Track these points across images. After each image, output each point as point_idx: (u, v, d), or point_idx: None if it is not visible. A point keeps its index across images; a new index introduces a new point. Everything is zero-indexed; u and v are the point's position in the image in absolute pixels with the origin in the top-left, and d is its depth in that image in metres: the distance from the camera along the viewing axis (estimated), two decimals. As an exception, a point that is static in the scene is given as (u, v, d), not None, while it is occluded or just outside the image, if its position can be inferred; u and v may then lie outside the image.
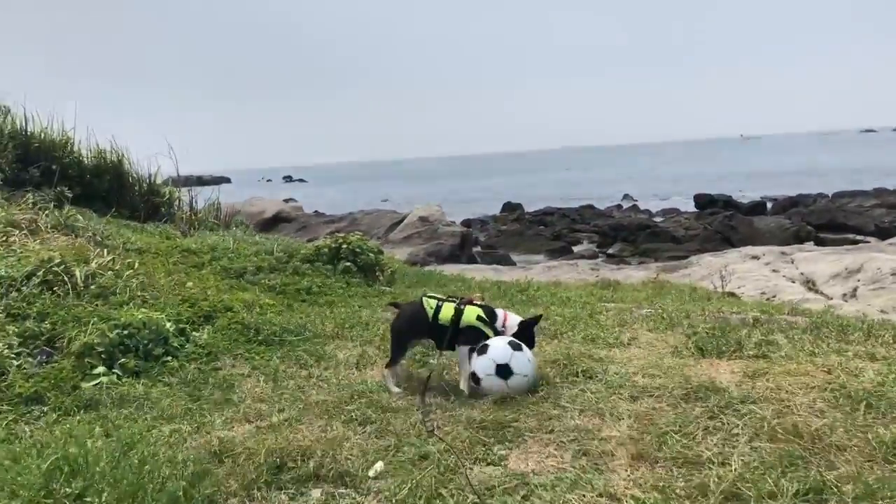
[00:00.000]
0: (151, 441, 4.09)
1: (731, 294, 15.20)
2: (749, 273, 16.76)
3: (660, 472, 3.55)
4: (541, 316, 5.34)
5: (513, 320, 4.99)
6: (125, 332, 5.73)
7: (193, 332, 6.23)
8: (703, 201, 43.60)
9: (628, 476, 3.55)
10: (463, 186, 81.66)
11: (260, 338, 6.19)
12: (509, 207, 47.39)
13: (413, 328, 5.09)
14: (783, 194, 44.14)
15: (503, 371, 4.60)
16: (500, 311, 5.05)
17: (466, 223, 37.99)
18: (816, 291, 15.56)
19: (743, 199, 42.74)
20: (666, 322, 6.50)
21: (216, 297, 7.07)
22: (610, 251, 33.56)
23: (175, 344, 5.89)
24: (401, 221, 28.08)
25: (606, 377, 4.83)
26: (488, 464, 3.77)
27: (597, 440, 3.92)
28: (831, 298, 14.94)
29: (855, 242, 27.33)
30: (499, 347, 4.68)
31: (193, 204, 14.38)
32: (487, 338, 4.82)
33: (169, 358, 5.68)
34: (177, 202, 14.41)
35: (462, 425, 4.23)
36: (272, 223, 29.93)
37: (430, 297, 5.10)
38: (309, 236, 28.62)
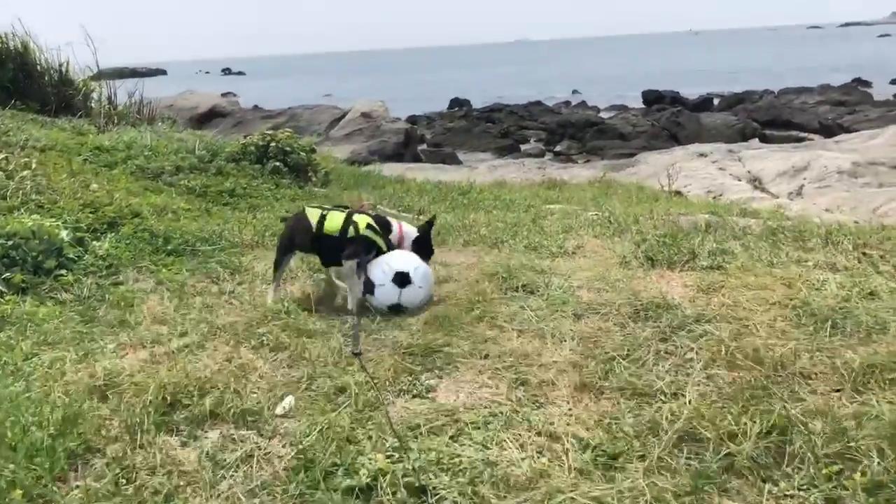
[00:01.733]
0: (25, 373, 3.55)
1: (678, 193, 14.94)
2: (696, 171, 16.49)
3: (605, 404, 3.15)
4: (434, 218, 4.97)
5: (409, 232, 4.64)
6: (10, 242, 5.06)
7: (94, 242, 5.57)
8: (650, 98, 43.22)
9: (570, 410, 3.14)
10: (409, 80, 79.57)
11: (169, 247, 5.57)
12: (457, 103, 46.35)
13: (294, 240, 4.65)
14: (730, 91, 43.92)
15: (401, 279, 4.29)
16: (394, 223, 4.63)
17: (412, 119, 36.94)
18: (763, 190, 15.39)
19: (690, 95, 42.38)
20: (613, 227, 6.07)
21: (123, 200, 6.38)
22: (557, 149, 33.11)
23: (71, 255, 5.24)
24: (342, 117, 27.01)
25: (549, 292, 4.39)
26: (414, 396, 3.32)
27: (536, 367, 3.49)
28: (777, 197, 14.78)
29: (799, 140, 27.39)
30: (401, 256, 4.46)
31: (113, 97, 13.31)
32: (380, 252, 4.45)
33: (63, 271, 5.04)
34: (94, 95, 13.32)
35: (387, 350, 3.77)
36: (206, 118, 28.51)
37: (314, 206, 4.66)
38: (245, 132, 27.42)
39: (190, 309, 4.41)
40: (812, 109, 34.51)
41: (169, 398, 3.23)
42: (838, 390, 3.06)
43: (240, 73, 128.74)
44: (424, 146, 30.94)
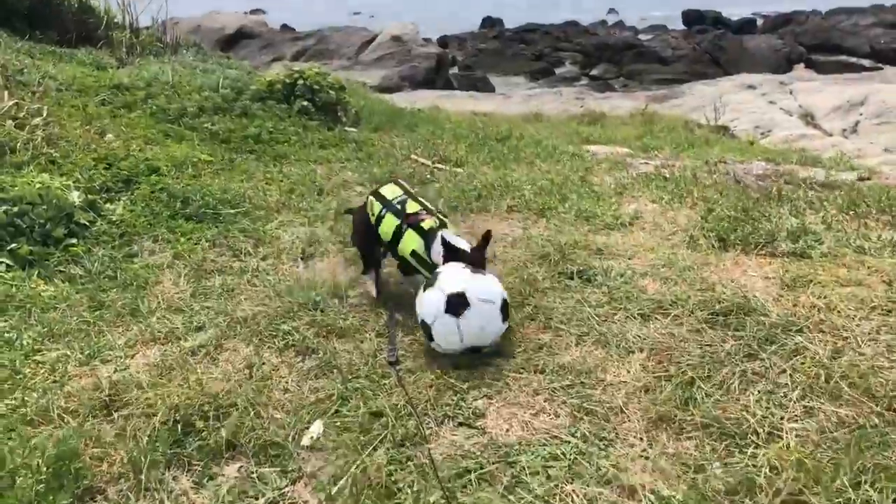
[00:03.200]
0: (24, 376, 3.17)
1: (724, 128, 14.17)
2: (744, 105, 15.60)
3: (687, 446, 2.68)
4: (489, 235, 3.55)
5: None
6: (15, 208, 4.63)
7: (107, 205, 5.13)
8: (691, 18, 41.47)
9: (645, 452, 2.67)
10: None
11: (188, 211, 5.10)
12: (489, 23, 44.80)
13: (368, 237, 3.96)
14: (774, 11, 41.89)
15: (454, 304, 3.16)
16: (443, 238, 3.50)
17: (443, 41, 35.79)
18: (815, 126, 14.52)
19: (732, 15, 40.50)
20: (672, 190, 5.50)
21: (140, 155, 5.90)
22: (593, 72, 31.95)
23: (82, 220, 4.80)
24: (372, 40, 26.06)
25: (608, 281, 3.88)
26: (460, 424, 2.87)
27: (600, 388, 3.01)
28: (831, 134, 13.95)
29: (849, 66, 25.98)
30: (448, 274, 3.30)
31: (135, 23, 12.70)
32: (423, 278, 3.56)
33: (73, 240, 4.61)
34: (117, 21, 12.72)
35: (427, 358, 3.31)
36: (233, 41, 27.69)
37: (379, 196, 3.89)
38: (273, 56, 26.61)
39: (208, 294, 3.97)
40: (864, 32, 32.75)
41: (181, 420, 2.82)
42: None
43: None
44: (455, 69, 29.93)
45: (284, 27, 36.39)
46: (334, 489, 2.50)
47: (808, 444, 2.58)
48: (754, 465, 2.49)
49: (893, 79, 15.76)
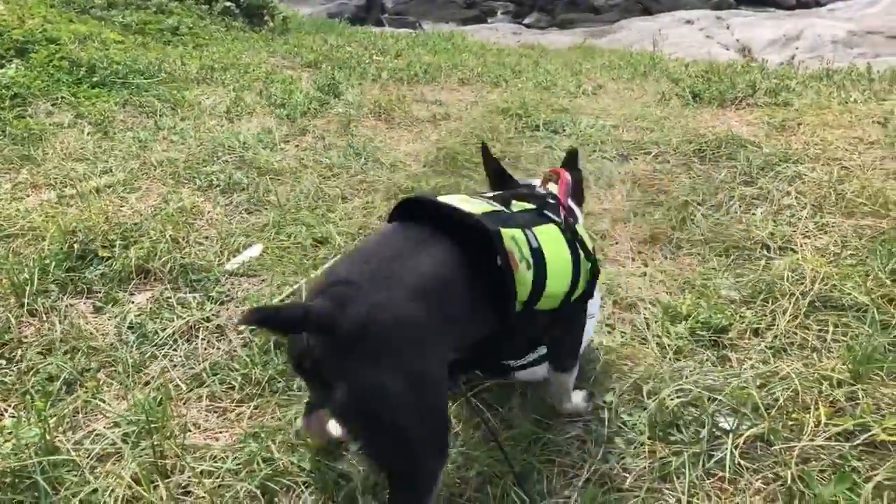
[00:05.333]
0: None
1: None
2: (682, 39, 15.36)
3: (688, 261, 2.30)
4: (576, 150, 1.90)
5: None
6: None
7: (-5, 69, 4.43)
8: (623, -30, 41.29)
9: (640, 269, 2.28)
10: (368, -50, 75.10)
11: (94, 79, 4.44)
12: (419, -28, 43.73)
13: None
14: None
15: None
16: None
17: (372, -14, 34.71)
18: (752, 59, 14.41)
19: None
20: (631, 70, 5.12)
21: (36, 26, 5.17)
22: (526, 21, 31.47)
23: (-37, 83, 4.12)
24: (299, -22, 24.92)
25: (578, 130, 3.46)
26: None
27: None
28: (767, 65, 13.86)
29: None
30: None
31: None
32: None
33: (-49, 101, 3.94)
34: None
35: (380, 196, 2.84)
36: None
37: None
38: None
39: (117, 144, 3.38)
40: (791, -15, 33.14)
41: (79, 248, 2.28)
42: None
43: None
44: (386, 15, 29.00)
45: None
46: (273, 301, 2.03)
47: (827, 255, 2.23)
48: (770, 275, 2.12)
49: (826, 15, 15.76)
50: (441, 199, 1.43)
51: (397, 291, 1.23)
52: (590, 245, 1.53)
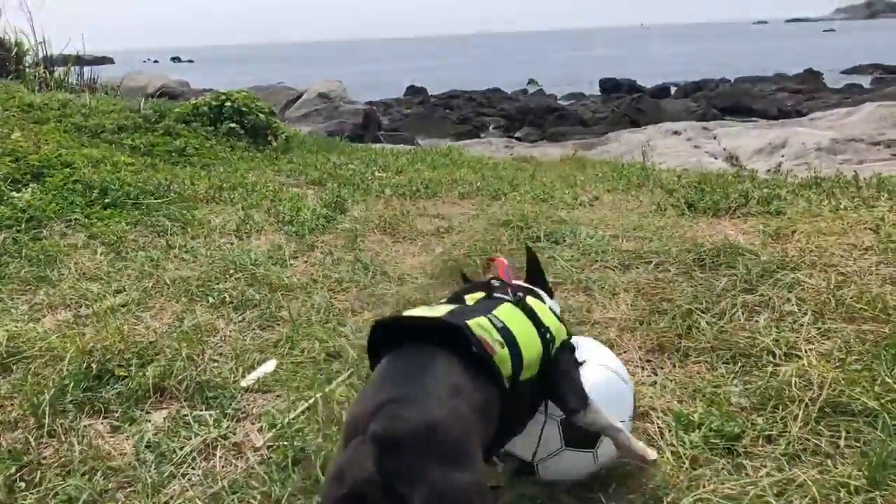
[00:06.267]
0: None
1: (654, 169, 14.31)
2: (670, 149, 15.85)
3: (697, 369, 2.34)
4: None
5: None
6: None
7: (13, 193, 4.57)
8: (608, 86, 42.90)
9: (650, 378, 2.32)
10: (364, 69, 78.15)
11: (106, 200, 4.58)
12: (413, 91, 45.35)
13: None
14: (684, 80, 43.77)
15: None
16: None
17: (369, 105, 35.95)
18: (740, 167, 14.83)
19: (646, 84, 42.12)
20: (626, 181, 5.29)
21: (52, 151, 5.36)
22: (517, 135, 32.40)
23: (-19, 208, 4.25)
24: (298, 98, 25.83)
25: (579, 241, 3.56)
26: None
27: (588, 325, 2.66)
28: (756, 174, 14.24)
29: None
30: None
31: (49, 58, 12.09)
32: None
33: (-31, 226, 4.05)
34: (30, 56, 12.08)
35: (389, 311, 2.90)
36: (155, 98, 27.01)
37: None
38: (196, 115, 25.97)
39: (130, 263, 3.46)
40: (770, 97, 34.37)
41: (96, 368, 2.32)
42: None
43: (189, 62, 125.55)
44: (382, 132, 29.90)
45: (208, 90, 35.94)
46: (289, 417, 2.05)
47: (832, 360, 2.27)
48: (778, 381, 2.16)
49: (808, 124, 16.31)
50: (406, 314, 1.61)
51: (440, 394, 1.34)
52: (548, 317, 1.70)
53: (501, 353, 1.50)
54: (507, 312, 1.60)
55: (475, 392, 1.43)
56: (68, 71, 12.18)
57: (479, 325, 1.50)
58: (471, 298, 1.67)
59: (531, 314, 1.64)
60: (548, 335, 1.64)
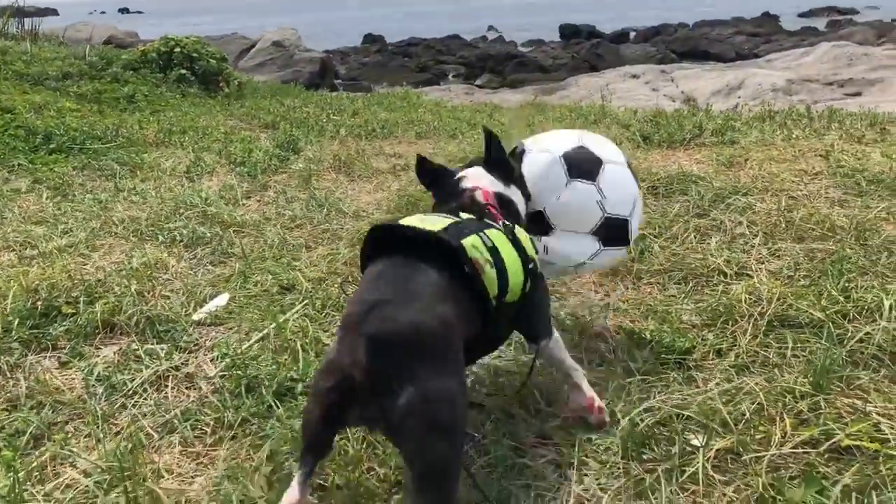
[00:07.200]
0: None
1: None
2: (629, 92, 15.85)
3: (650, 290, 2.36)
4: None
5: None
6: None
7: (-52, 140, 4.41)
8: (567, 32, 42.62)
9: (604, 300, 2.34)
10: (319, 18, 76.52)
11: (51, 145, 4.44)
12: (371, 39, 44.60)
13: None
14: (643, 25, 43.65)
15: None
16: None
17: (326, 53, 35.29)
18: (698, 109, 14.92)
19: (605, 30, 41.93)
20: (583, 119, 5.27)
21: (-10, 98, 5.18)
22: (478, 82, 32.15)
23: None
24: (252, 47, 25.22)
25: (535, 174, 3.55)
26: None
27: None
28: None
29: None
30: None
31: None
32: None
33: None
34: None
35: (344, 244, 2.87)
36: (102, 52, 26.12)
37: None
38: (147, 66, 25.19)
39: (77, 206, 3.37)
40: (728, 40, 34.45)
41: (42, 306, 2.26)
42: (949, 259, 2.35)
43: (138, 13, 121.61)
44: (340, 81, 29.42)
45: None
46: (240, 351, 2.03)
47: (781, 278, 2.31)
48: (728, 299, 2.19)
49: (765, 65, 16.43)
50: (402, 222, 1.59)
51: (430, 301, 1.41)
52: (530, 247, 1.68)
53: (489, 273, 1.53)
54: (497, 236, 1.60)
55: (463, 304, 1.48)
56: (7, 22, 11.69)
57: (472, 245, 1.53)
58: (464, 215, 1.65)
59: (517, 244, 1.63)
60: (531, 265, 1.64)
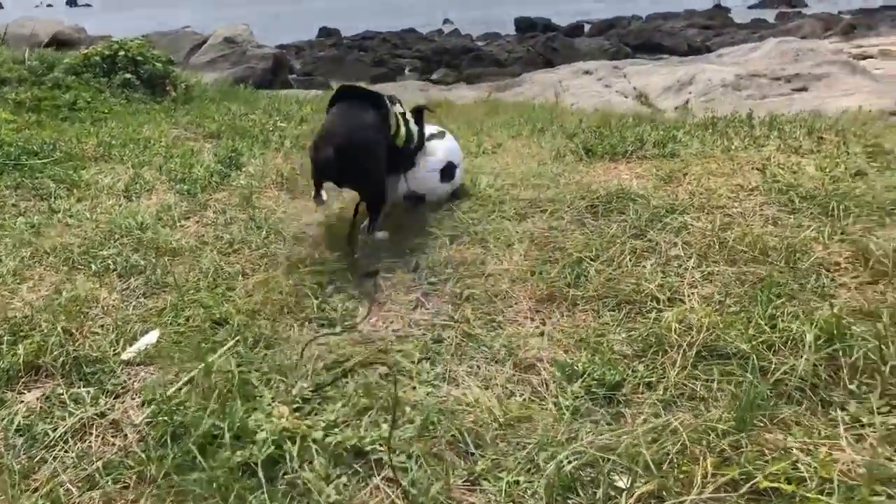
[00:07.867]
0: None
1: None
2: (582, 88, 15.95)
3: (584, 318, 2.37)
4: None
5: None
6: None
7: None
8: (523, 25, 42.78)
9: (538, 328, 2.34)
10: (273, 11, 75.57)
11: (-18, 162, 4.31)
12: (326, 33, 44.21)
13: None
14: (598, 18, 43.96)
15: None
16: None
17: (280, 48, 34.90)
18: (649, 105, 15.06)
19: (561, 23, 42.14)
20: (531, 126, 5.27)
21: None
22: (434, 77, 32.09)
23: None
24: (203, 43, 24.81)
25: (477, 191, 3.55)
26: (324, 324, 2.42)
27: (482, 278, 2.66)
28: (664, 112, 14.49)
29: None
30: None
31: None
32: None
33: None
34: None
35: (281, 267, 2.84)
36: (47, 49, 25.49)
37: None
38: (96, 63, 24.62)
39: (7, 231, 3.28)
40: (681, 33, 34.88)
41: (-36, 348, 2.19)
42: (873, 281, 2.40)
43: (87, 6, 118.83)
44: (294, 76, 29.11)
45: (109, 37, 34.19)
46: (167, 395, 1.99)
47: (713, 304, 2.34)
48: (660, 327, 2.21)
49: (715, 60, 16.66)
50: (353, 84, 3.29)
51: (367, 130, 2.96)
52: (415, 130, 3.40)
53: (402, 129, 3.19)
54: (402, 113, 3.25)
55: (383, 133, 3.06)
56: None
57: (395, 112, 3.17)
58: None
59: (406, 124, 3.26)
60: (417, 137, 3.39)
